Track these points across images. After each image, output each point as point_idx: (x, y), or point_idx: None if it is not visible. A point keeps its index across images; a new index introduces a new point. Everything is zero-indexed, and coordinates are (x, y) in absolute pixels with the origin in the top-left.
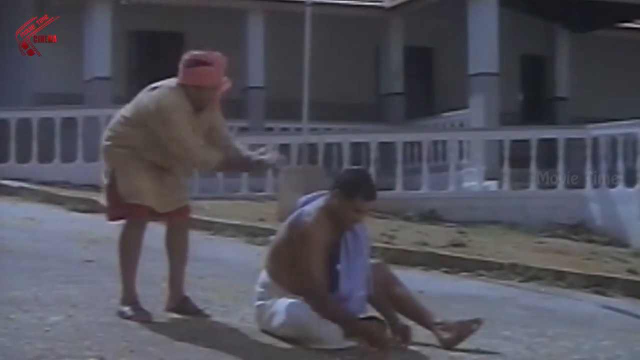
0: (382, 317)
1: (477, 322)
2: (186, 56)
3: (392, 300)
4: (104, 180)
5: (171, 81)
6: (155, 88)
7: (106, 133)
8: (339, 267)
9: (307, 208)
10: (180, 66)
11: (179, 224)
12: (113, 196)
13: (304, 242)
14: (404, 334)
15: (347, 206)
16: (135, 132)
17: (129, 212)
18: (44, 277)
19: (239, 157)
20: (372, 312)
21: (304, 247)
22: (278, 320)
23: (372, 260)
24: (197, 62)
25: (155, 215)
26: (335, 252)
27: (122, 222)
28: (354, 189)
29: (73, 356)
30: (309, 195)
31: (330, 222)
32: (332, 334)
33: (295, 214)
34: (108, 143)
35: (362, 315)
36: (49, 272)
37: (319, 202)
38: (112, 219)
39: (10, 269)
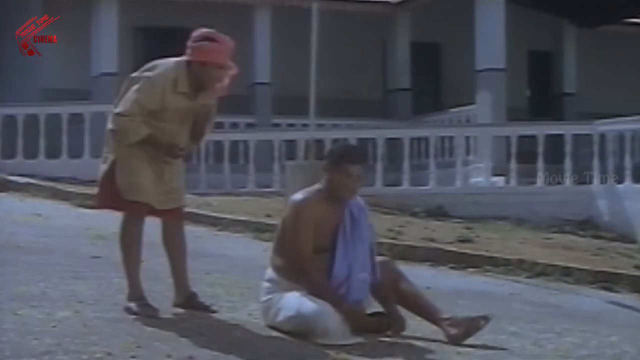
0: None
1: (485, 318)
2: (194, 33)
3: (398, 296)
4: (102, 166)
5: (178, 59)
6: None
7: (112, 117)
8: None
9: (299, 192)
10: (188, 43)
11: (172, 222)
12: (108, 185)
13: (293, 217)
14: (397, 325)
15: (338, 176)
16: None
17: (126, 208)
18: (52, 272)
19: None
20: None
21: (293, 222)
22: (284, 314)
23: (378, 258)
24: (202, 38)
25: (151, 211)
26: (335, 236)
27: (110, 210)
28: (338, 156)
29: (80, 351)
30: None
31: (325, 202)
32: (338, 329)
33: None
34: (113, 127)
35: (366, 297)
36: (56, 268)
37: (315, 185)
38: (101, 207)
39: (17, 265)
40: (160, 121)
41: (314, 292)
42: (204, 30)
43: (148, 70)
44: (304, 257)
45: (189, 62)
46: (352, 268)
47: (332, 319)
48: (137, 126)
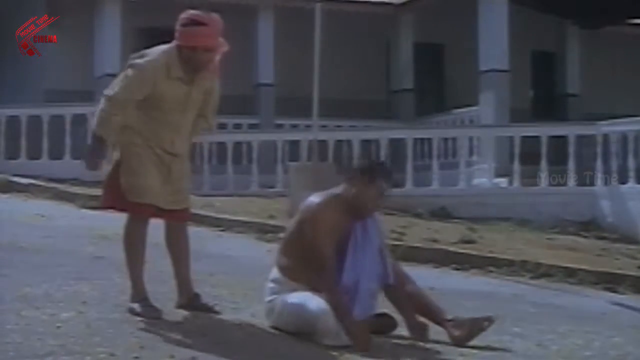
0: (391, 315)
1: (489, 319)
2: (182, 15)
3: (403, 297)
4: (107, 167)
5: (168, 45)
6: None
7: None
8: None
9: (316, 195)
10: (176, 26)
11: (176, 223)
12: (112, 185)
13: (314, 222)
14: (421, 332)
15: (369, 192)
16: (135, 112)
17: (130, 209)
18: (55, 273)
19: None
20: (386, 307)
21: (314, 227)
22: (288, 314)
23: None
24: (191, 22)
25: (155, 213)
26: (344, 245)
27: (113, 210)
28: (374, 173)
29: (84, 352)
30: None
31: (342, 210)
32: (340, 329)
33: (304, 202)
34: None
35: (373, 312)
36: (59, 269)
37: (333, 191)
38: (105, 207)
39: (21, 266)
40: (160, 111)
41: (328, 295)
42: (192, 12)
43: (138, 57)
44: (327, 260)
45: (178, 47)
46: (360, 278)
47: (335, 318)
48: (116, 120)
